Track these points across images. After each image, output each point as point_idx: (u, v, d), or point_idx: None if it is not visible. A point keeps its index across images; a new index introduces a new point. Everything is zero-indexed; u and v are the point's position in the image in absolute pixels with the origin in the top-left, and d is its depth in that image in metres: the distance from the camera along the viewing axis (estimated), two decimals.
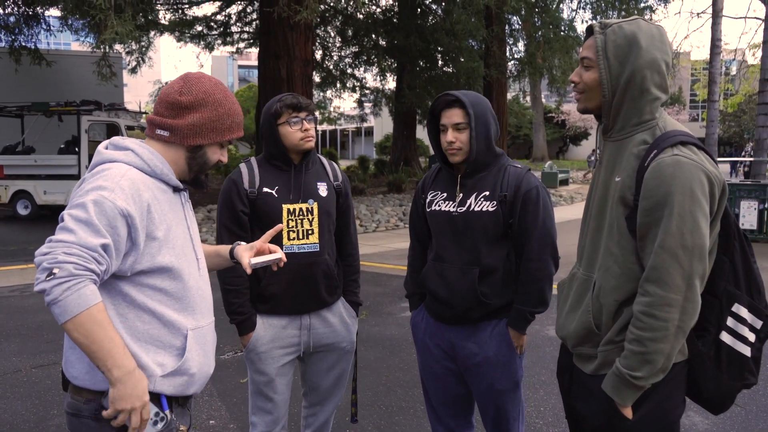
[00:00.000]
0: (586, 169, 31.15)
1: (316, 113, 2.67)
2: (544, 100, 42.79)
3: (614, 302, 1.81)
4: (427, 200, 2.59)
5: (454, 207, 2.47)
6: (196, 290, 1.81)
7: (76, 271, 1.48)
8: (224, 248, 2.12)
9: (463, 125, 2.40)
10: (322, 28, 19.60)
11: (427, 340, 2.64)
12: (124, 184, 1.62)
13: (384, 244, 10.91)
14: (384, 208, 14.55)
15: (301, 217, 2.57)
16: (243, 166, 2.62)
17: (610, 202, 1.84)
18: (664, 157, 1.69)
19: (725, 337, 1.79)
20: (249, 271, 1.99)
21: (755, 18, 22.43)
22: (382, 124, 38.32)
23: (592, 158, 25.31)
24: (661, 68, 1.78)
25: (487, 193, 2.43)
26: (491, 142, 2.45)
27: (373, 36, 19.60)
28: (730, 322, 1.79)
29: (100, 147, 1.75)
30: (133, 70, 18.33)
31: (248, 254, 2.03)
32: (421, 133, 25.75)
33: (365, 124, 38.89)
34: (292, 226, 2.57)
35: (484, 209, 2.42)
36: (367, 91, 23.98)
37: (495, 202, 2.41)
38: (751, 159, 12.29)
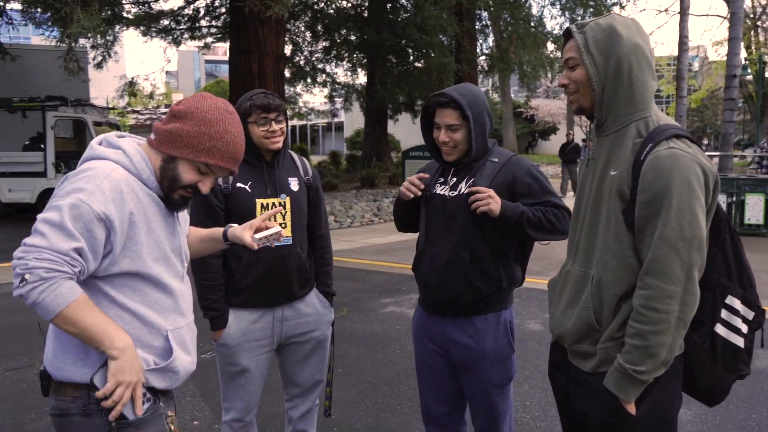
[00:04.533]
0: (558, 164, 31.17)
1: (287, 110, 2.68)
2: (513, 95, 43.13)
3: (613, 297, 1.81)
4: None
5: (447, 191, 2.51)
6: (178, 294, 1.81)
7: (46, 274, 1.50)
8: (217, 231, 2.17)
9: (456, 126, 2.43)
10: (293, 23, 19.43)
11: (422, 335, 2.65)
12: (106, 186, 1.59)
13: (360, 240, 10.87)
14: (358, 203, 14.50)
15: None
16: None
17: (606, 196, 1.84)
18: (660, 150, 1.71)
19: (720, 329, 1.82)
20: (255, 246, 2.07)
21: (716, 15, 22.89)
22: (353, 119, 38.21)
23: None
24: (645, 54, 1.81)
25: (477, 179, 2.45)
26: (486, 137, 2.50)
27: (344, 31, 19.51)
28: (724, 314, 1.82)
29: (94, 142, 1.73)
30: (99, 65, 17.90)
31: (248, 233, 2.09)
32: (392, 128, 25.72)
33: (335, 120, 38.73)
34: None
35: None
36: (337, 86, 23.87)
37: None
38: (717, 153, 12.52)
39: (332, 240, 2.99)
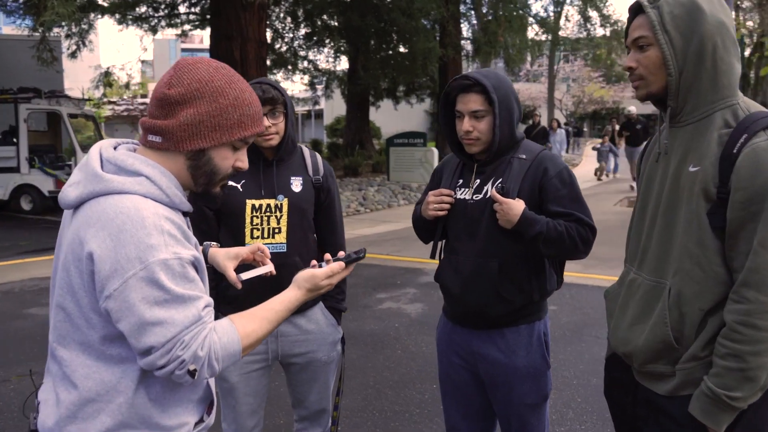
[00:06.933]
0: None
1: (289, 104, 2.37)
2: None
3: (698, 311, 1.57)
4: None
5: (469, 195, 2.23)
6: None
7: (202, 351, 1.32)
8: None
9: (482, 113, 2.14)
10: (273, 9, 18.98)
11: (446, 347, 2.40)
12: (168, 227, 1.31)
13: (347, 231, 10.56)
14: (343, 192, 14.21)
15: (267, 213, 2.36)
16: None
17: (686, 195, 1.59)
18: (759, 142, 1.47)
19: None
20: (239, 286, 1.83)
21: None
22: (333, 107, 37.75)
23: (599, 146, 18.11)
24: (730, 32, 1.57)
25: (505, 180, 2.19)
26: (514, 128, 2.21)
27: (325, 17, 19.13)
28: None
29: (95, 167, 1.34)
30: (73, 55, 17.33)
31: (232, 264, 1.87)
32: (373, 114, 25.42)
33: (315, 107, 38.29)
34: (257, 224, 2.36)
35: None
36: (318, 73, 23.48)
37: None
38: None
39: None
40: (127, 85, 24.37)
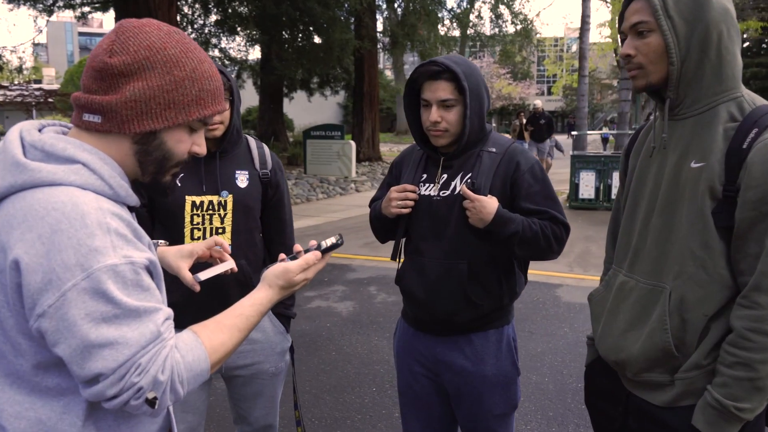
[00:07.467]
0: None
1: (236, 90, 2.17)
2: (406, 74, 43.20)
3: (702, 317, 1.47)
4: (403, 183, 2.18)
5: (435, 191, 2.07)
6: None
7: (163, 376, 1.09)
8: None
9: (451, 102, 1.98)
10: None
11: (406, 355, 2.24)
12: (115, 225, 1.08)
13: None
14: None
15: (210, 212, 2.16)
16: None
17: (689, 193, 1.49)
18: None
19: None
20: (197, 288, 1.60)
21: None
22: (244, 98, 36.77)
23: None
24: (734, 21, 1.48)
25: (475, 176, 2.05)
26: (484, 118, 2.06)
27: (236, 3, 18.51)
28: None
29: (16, 154, 1.09)
30: None
31: (186, 263, 1.63)
32: (286, 107, 24.93)
33: None
34: (198, 223, 2.15)
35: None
36: (229, 62, 22.76)
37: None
38: (613, 132, 12.85)
39: None
40: (19, 70, 22.77)
